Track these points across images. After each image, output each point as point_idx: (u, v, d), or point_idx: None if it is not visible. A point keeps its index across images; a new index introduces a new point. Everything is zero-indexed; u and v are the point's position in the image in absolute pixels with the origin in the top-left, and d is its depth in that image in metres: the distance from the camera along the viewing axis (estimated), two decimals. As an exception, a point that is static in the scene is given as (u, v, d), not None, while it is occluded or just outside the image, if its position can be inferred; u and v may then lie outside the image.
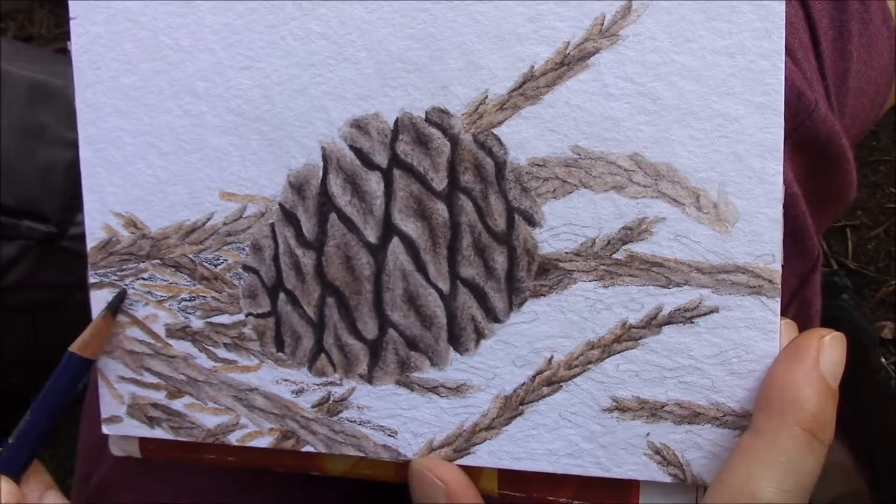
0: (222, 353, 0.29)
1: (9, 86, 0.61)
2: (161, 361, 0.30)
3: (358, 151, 0.27)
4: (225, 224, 0.29)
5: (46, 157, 0.61)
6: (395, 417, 0.28)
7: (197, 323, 0.29)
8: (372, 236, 0.27)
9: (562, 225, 0.26)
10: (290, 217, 0.28)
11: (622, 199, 0.25)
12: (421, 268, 0.27)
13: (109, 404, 0.30)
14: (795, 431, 0.23)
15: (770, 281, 0.25)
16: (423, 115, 0.26)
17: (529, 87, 0.26)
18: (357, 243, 0.27)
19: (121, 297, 0.30)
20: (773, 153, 0.24)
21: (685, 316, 0.25)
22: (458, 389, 0.27)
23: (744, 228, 0.25)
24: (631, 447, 0.26)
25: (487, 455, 0.27)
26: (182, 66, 0.28)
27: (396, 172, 0.27)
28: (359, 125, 0.27)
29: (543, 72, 0.25)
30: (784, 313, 0.25)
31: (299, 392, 0.29)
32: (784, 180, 0.24)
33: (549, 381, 0.26)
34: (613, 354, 0.26)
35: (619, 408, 0.26)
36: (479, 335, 0.27)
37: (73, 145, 0.29)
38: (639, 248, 0.25)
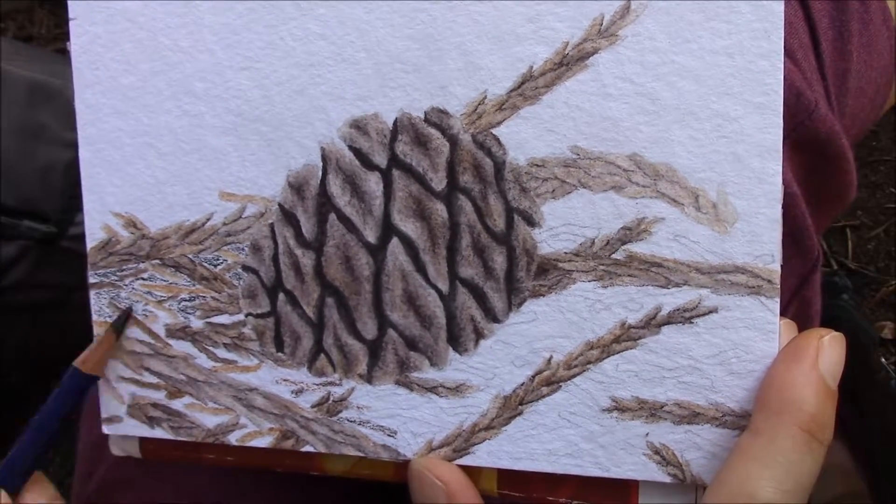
0: (222, 353, 0.29)
1: (9, 86, 0.61)
2: (161, 361, 0.30)
3: (357, 152, 0.27)
4: (224, 224, 0.29)
5: (46, 157, 0.61)
6: (395, 417, 0.28)
7: (197, 323, 0.29)
8: (371, 236, 0.27)
9: (561, 225, 0.26)
10: (289, 217, 0.28)
11: (621, 200, 0.25)
12: (420, 268, 0.27)
13: (109, 404, 0.30)
14: (794, 432, 0.23)
15: (769, 281, 0.25)
16: (423, 116, 0.26)
17: (528, 88, 0.26)
18: (356, 243, 0.27)
19: (125, 317, 0.30)
20: (773, 153, 0.24)
21: (684, 316, 0.25)
22: (457, 389, 0.27)
23: (743, 228, 0.25)
24: (630, 447, 0.26)
25: (487, 455, 0.27)
26: (181, 67, 0.28)
27: (395, 173, 0.27)
28: (358, 125, 0.27)
29: (542, 72, 0.25)
30: (784, 313, 0.25)
31: (299, 392, 0.29)
32: (783, 180, 0.24)
33: (548, 381, 0.26)
34: (613, 354, 0.26)
35: (619, 408, 0.26)
36: (479, 335, 0.27)
37: (73, 145, 0.29)
38: (638, 248, 0.25)
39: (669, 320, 0.25)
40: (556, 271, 0.26)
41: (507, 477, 0.28)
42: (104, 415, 0.31)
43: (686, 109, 0.25)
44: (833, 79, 0.36)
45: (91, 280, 0.30)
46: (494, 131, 0.26)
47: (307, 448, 0.29)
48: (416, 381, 0.28)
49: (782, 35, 0.24)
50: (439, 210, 0.27)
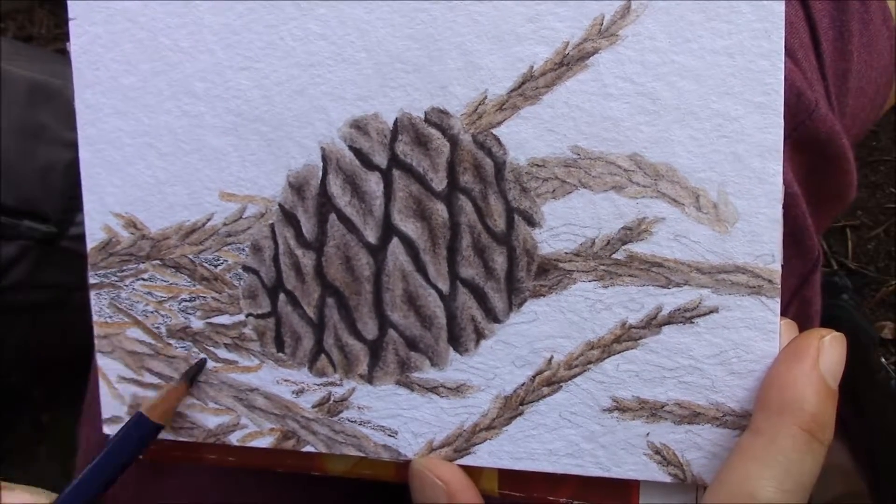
0: (223, 353, 0.29)
1: (9, 86, 0.61)
2: (161, 362, 0.30)
3: (357, 152, 0.27)
4: (225, 225, 0.29)
5: (46, 157, 0.61)
6: (396, 417, 0.28)
7: (197, 323, 0.29)
8: (372, 237, 0.27)
9: (561, 225, 0.26)
10: (289, 217, 0.28)
11: (622, 200, 0.25)
12: (421, 268, 0.27)
13: (110, 404, 0.30)
14: (794, 431, 0.23)
15: (770, 281, 0.25)
16: (423, 116, 0.26)
17: (529, 88, 0.26)
18: (357, 244, 0.27)
19: (199, 367, 0.29)
20: (773, 153, 0.24)
21: (685, 316, 0.25)
22: (458, 389, 0.27)
23: (743, 228, 0.25)
24: (631, 447, 0.26)
25: (487, 455, 0.27)
26: (181, 67, 0.28)
27: (396, 173, 0.27)
28: (358, 125, 0.27)
29: (543, 72, 0.25)
30: (784, 313, 0.25)
31: (300, 392, 0.29)
32: (784, 180, 0.24)
33: (549, 381, 0.26)
34: (613, 354, 0.26)
35: (619, 408, 0.26)
36: (479, 335, 0.27)
37: (73, 145, 0.29)
38: (638, 248, 0.25)
39: (670, 320, 0.25)
40: (557, 271, 0.26)
41: (508, 477, 0.28)
42: (105, 415, 0.31)
43: (686, 109, 0.25)
44: (833, 79, 0.36)
45: (91, 280, 0.30)
46: (495, 131, 0.26)
47: (308, 448, 0.29)
48: (417, 382, 0.28)
49: (783, 35, 0.24)
50: (440, 210, 0.27)
